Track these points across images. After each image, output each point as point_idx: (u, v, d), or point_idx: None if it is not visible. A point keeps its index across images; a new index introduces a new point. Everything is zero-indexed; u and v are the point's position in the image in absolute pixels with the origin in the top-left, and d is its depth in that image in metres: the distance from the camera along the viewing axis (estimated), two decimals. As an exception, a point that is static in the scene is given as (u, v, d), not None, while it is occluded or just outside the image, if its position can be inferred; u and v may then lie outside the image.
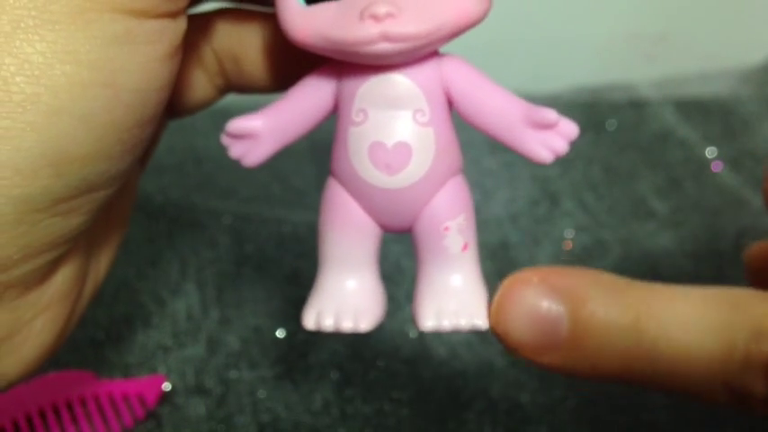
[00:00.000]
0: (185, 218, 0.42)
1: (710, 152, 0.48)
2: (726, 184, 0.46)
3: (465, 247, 0.20)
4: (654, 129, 0.50)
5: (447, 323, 0.20)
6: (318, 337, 0.36)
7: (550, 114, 0.19)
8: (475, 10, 0.19)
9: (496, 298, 0.20)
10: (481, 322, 0.20)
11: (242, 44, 0.23)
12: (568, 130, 0.19)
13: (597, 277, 0.19)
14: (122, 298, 0.37)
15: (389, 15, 0.18)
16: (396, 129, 0.19)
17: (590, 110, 0.50)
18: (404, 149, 0.19)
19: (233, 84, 0.24)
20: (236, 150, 0.21)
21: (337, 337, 0.35)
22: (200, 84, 0.24)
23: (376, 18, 0.18)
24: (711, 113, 0.51)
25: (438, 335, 0.36)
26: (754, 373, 0.17)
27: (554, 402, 0.33)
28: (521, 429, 0.32)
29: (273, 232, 0.41)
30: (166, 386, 0.33)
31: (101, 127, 0.17)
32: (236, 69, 0.23)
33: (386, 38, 0.18)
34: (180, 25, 0.19)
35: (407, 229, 0.21)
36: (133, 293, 0.38)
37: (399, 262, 0.39)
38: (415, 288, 0.21)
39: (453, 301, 0.20)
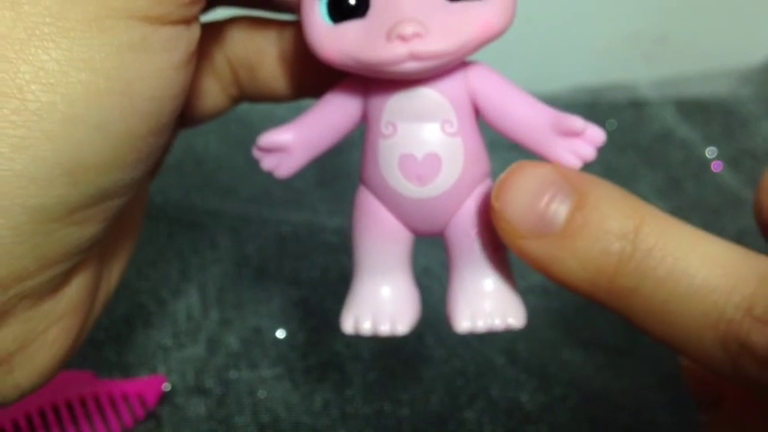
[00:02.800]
0: (185, 218, 0.42)
1: (710, 152, 0.48)
2: (726, 184, 0.46)
3: (496, 249, 0.21)
4: (654, 129, 0.50)
5: (482, 324, 0.20)
6: (318, 337, 0.36)
7: (577, 122, 0.19)
8: (499, 22, 0.19)
9: (504, 174, 0.18)
10: (515, 321, 0.21)
11: (257, 52, 0.23)
12: (595, 136, 0.20)
13: (613, 185, 0.18)
14: (122, 298, 0.37)
15: (417, 35, 0.18)
16: (425, 140, 0.19)
17: (590, 110, 0.50)
18: (434, 160, 0.19)
19: (247, 93, 0.24)
20: (267, 163, 0.22)
21: (336, 336, 0.35)
22: (213, 93, 0.24)
23: (403, 38, 0.18)
24: (711, 113, 0.51)
25: (437, 334, 0.36)
26: (762, 327, 0.16)
27: (554, 401, 0.33)
28: (521, 429, 0.32)
29: (273, 233, 0.41)
30: (166, 386, 0.33)
31: (116, 135, 0.17)
32: (250, 78, 0.23)
33: (414, 57, 0.18)
34: (194, 32, 0.19)
35: (439, 234, 0.21)
36: (133, 293, 0.38)
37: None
38: (447, 291, 0.21)
39: (487, 302, 0.21)
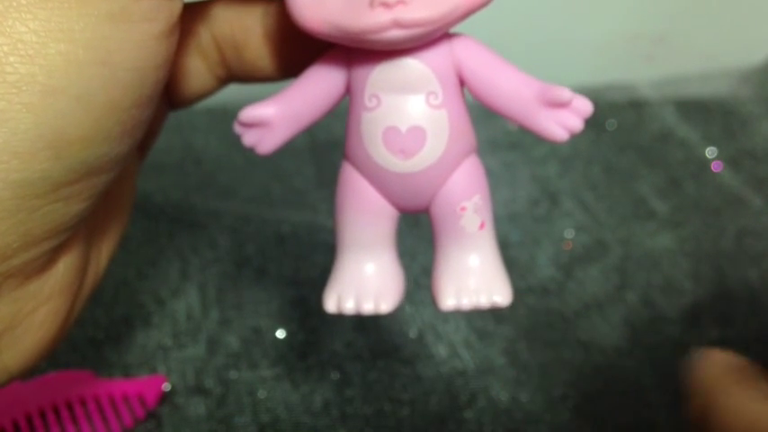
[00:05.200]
0: (185, 218, 0.42)
1: (710, 152, 0.48)
2: (726, 184, 0.46)
3: (482, 225, 0.20)
4: (654, 129, 0.50)
5: (467, 301, 0.20)
6: (318, 337, 0.36)
7: (564, 93, 0.19)
8: None
9: None
10: (500, 299, 0.20)
11: (243, 31, 0.22)
12: (582, 107, 0.19)
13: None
14: (122, 298, 0.37)
15: (400, 2, 0.17)
16: (409, 113, 0.19)
17: (590, 110, 0.50)
18: (418, 133, 0.19)
19: (234, 73, 0.23)
20: (249, 138, 0.21)
21: (336, 336, 0.35)
22: (200, 73, 0.23)
23: (387, 5, 0.17)
24: (711, 113, 0.51)
25: (438, 334, 0.36)
26: None
27: (554, 402, 0.33)
28: (521, 429, 0.32)
29: (273, 232, 0.41)
30: (166, 386, 0.33)
31: (99, 107, 0.17)
32: (237, 57, 0.23)
33: (397, 25, 0.17)
34: (176, 3, 0.18)
35: (424, 210, 0.21)
36: (133, 293, 0.38)
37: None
38: (433, 268, 0.21)
39: (472, 279, 0.20)
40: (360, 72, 0.19)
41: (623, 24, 0.54)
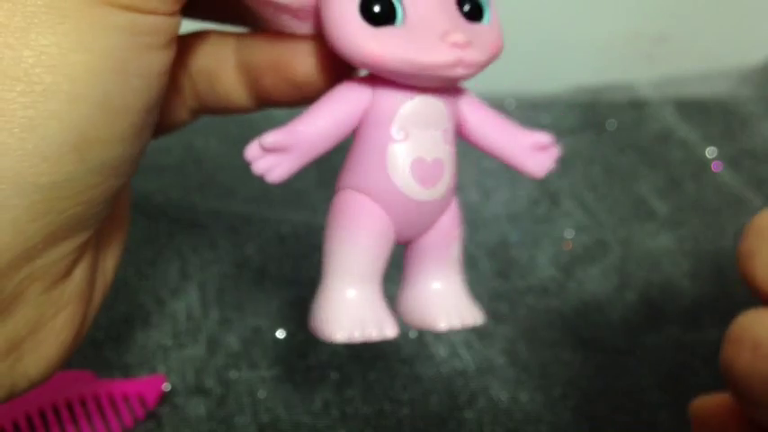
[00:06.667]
0: (185, 218, 0.42)
1: (710, 152, 0.48)
2: (726, 184, 0.46)
3: (461, 253, 0.23)
4: (654, 129, 0.50)
5: (458, 322, 0.22)
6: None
7: (548, 138, 0.22)
8: (500, 46, 0.21)
9: None
10: (481, 319, 0.23)
11: (216, 65, 0.23)
12: (555, 152, 0.23)
13: None
14: (122, 298, 0.37)
15: (467, 44, 0.19)
16: (432, 146, 0.21)
17: (590, 110, 0.50)
18: (439, 165, 0.21)
19: (206, 105, 0.24)
20: (260, 165, 0.21)
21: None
22: (174, 105, 0.24)
23: (458, 45, 0.19)
24: (711, 113, 0.51)
25: (437, 334, 0.36)
26: None
27: (554, 401, 0.33)
28: (521, 429, 0.32)
29: (273, 232, 0.41)
30: (166, 386, 0.33)
31: (115, 111, 0.18)
32: (210, 90, 0.24)
33: (461, 64, 0.19)
34: (177, 19, 0.20)
35: (410, 241, 0.22)
36: (133, 293, 0.38)
37: (399, 262, 0.39)
38: (413, 296, 0.23)
39: (460, 301, 0.22)
40: (387, 105, 0.21)
41: (623, 24, 0.55)
